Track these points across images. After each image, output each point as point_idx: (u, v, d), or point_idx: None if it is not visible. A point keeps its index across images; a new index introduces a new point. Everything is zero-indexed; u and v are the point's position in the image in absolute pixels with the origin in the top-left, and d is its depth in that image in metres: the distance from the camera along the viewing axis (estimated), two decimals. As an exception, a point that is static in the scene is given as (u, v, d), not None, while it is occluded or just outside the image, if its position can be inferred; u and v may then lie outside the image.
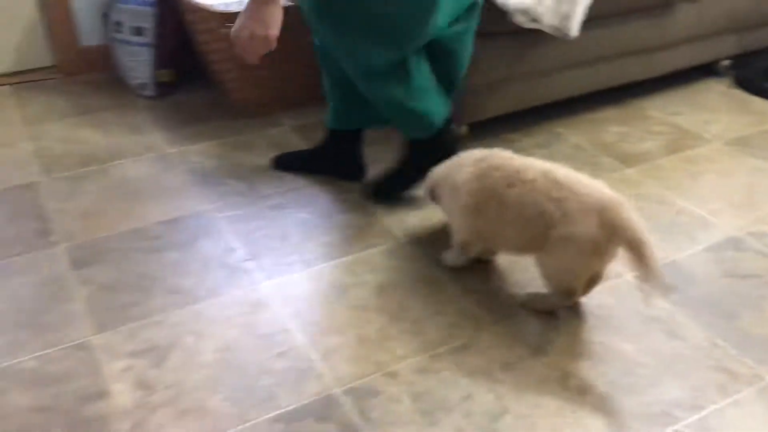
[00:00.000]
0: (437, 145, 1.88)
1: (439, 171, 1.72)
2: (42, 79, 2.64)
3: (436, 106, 1.84)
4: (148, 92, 2.52)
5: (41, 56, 2.67)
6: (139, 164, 2.14)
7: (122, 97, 2.55)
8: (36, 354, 1.46)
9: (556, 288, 1.56)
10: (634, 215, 1.44)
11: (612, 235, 1.43)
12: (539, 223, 1.48)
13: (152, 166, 2.13)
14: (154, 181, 2.05)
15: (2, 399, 1.36)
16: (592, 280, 1.59)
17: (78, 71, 2.68)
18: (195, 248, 1.78)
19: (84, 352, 1.47)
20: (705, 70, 2.73)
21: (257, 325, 1.55)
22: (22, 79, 2.63)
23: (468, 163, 1.61)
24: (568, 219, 1.45)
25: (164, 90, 2.54)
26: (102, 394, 1.38)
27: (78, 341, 1.50)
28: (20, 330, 1.52)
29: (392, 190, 1.99)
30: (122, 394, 1.38)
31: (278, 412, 1.35)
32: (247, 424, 1.32)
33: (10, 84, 2.60)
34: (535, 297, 1.61)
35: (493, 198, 1.54)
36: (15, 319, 1.55)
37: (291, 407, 1.36)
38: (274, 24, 1.53)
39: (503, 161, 1.56)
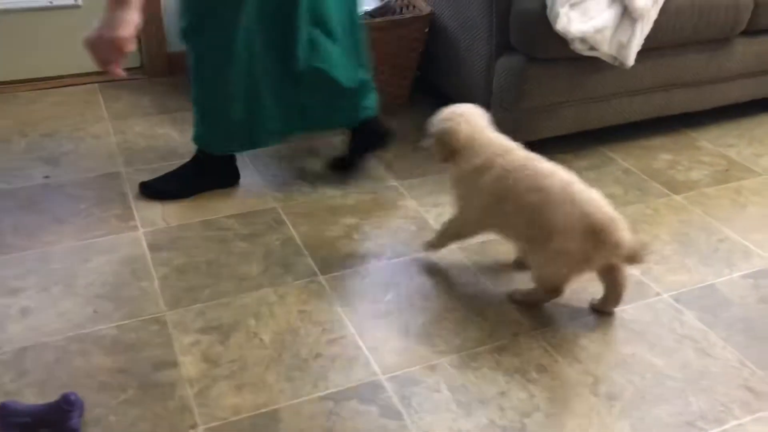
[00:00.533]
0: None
1: (468, 142, 1.69)
2: (129, 79, 2.86)
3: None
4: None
5: (131, 58, 2.90)
6: (213, 162, 2.32)
7: (200, 99, 2.75)
8: (116, 324, 1.64)
9: (543, 286, 1.70)
10: (627, 233, 1.58)
11: (605, 252, 1.58)
12: (544, 230, 1.59)
13: (225, 164, 2.31)
14: (227, 178, 2.23)
15: (87, 360, 1.54)
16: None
17: (162, 74, 2.90)
18: (261, 240, 1.94)
19: (158, 326, 1.64)
20: (762, 105, 2.77)
21: (313, 313, 1.69)
22: (109, 78, 2.85)
23: (495, 152, 1.67)
24: (568, 235, 1.56)
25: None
26: (172, 364, 1.54)
27: (153, 315, 1.67)
28: (103, 302, 1.70)
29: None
30: (190, 365, 1.53)
31: (328, 391, 1.48)
32: (299, 400, 1.46)
33: (99, 82, 2.83)
34: (523, 291, 1.75)
35: (509, 198, 1.63)
36: (99, 291, 1.73)
37: (339, 389, 1.49)
38: (122, 26, 1.50)
39: (528, 161, 1.65)
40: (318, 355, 1.57)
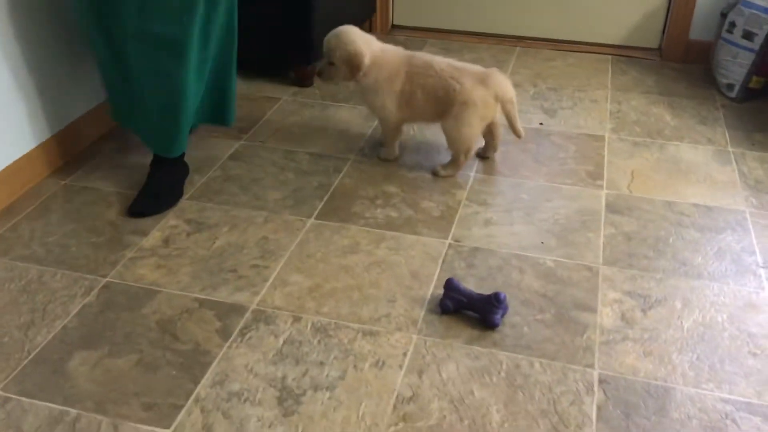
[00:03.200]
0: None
1: (365, 52, 2.04)
2: (641, 58, 2.96)
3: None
4: (733, 93, 2.61)
5: (650, 38, 2.98)
6: (695, 151, 2.29)
7: (705, 90, 2.70)
8: (554, 258, 1.80)
9: (459, 147, 2.11)
10: (508, 81, 2.09)
11: (494, 95, 2.04)
12: (447, 98, 2.04)
13: (706, 156, 2.25)
14: (704, 170, 2.18)
15: (521, 276, 1.74)
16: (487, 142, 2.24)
17: (675, 59, 2.91)
18: (716, 236, 1.88)
19: (589, 273, 1.75)
20: None
21: (744, 321, 1.60)
22: (623, 53, 2.99)
23: (400, 60, 2.10)
24: (465, 90, 2.03)
25: (749, 95, 2.60)
26: (591, 308, 1.64)
27: (589, 263, 1.78)
28: (550, 237, 1.88)
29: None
30: (606, 316, 1.61)
31: (732, 396, 1.41)
32: (698, 390, 1.42)
33: (613, 55, 2.99)
34: (444, 165, 2.16)
35: (418, 88, 2.07)
36: (550, 227, 1.92)
37: (747, 400, 1.40)
38: None
39: (421, 57, 2.11)
40: (732, 359, 1.49)
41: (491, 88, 2.04)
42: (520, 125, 2.14)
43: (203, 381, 1.44)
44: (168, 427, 1.34)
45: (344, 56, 2.02)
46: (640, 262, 1.79)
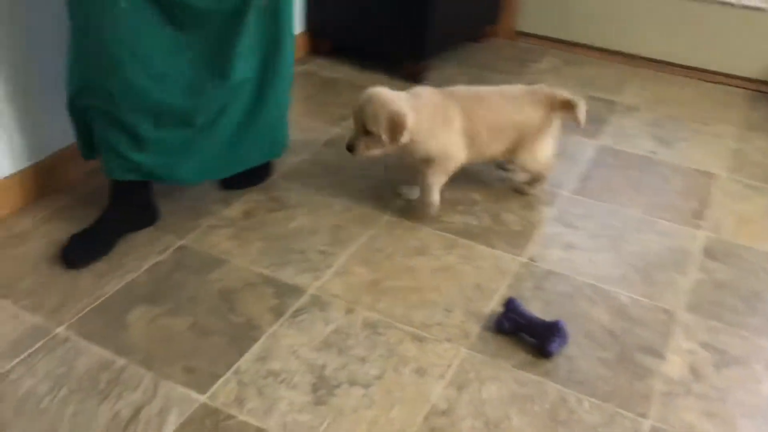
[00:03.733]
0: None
1: (407, 111, 1.74)
2: (780, 96, 2.73)
3: None
4: None
5: (793, 76, 2.74)
6: (820, 205, 2.08)
7: None
8: (631, 294, 1.69)
9: (541, 171, 2.00)
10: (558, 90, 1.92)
11: (552, 104, 1.90)
12: (515, 131, 1.89)
13: (831, 213, 2.05)
14: (823, 226, 1.98)
15: (589, 307, 1.65)
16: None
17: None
18: (820, 301, 1.70)
19: (666, 316, 1.63)
20: None
21: (833, 400, 1.44)
22: (760, 88, 2.77)
23: (444, 97, 1.86)
24: (531, 118, 1.89)
25: None
26: (658, 354, 1.53)
27: (668, 306, 1.66)
28: (633, 271, 1.77)
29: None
30: (673, 365, 1.50)
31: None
32: (760, 465, 1.30)
33: (746, 88, 2.77)
34: (526, 183, 2.05)
35: (482, 126, 1.86)
36: (635, 261, 1.80)
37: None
38: None
39: (466, 92, 1.91)
40: (810, 441, 1.35)
41: (548, 105, 1.90)
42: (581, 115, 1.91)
43: (247, 355, 1.46)
44: (203, 392, 1.37)
45: (385, 120, 1.71)
46: (726, 314, 1.65)
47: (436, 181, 1.88)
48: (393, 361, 1.47)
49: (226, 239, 1.79)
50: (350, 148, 1.77)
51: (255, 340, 1.50)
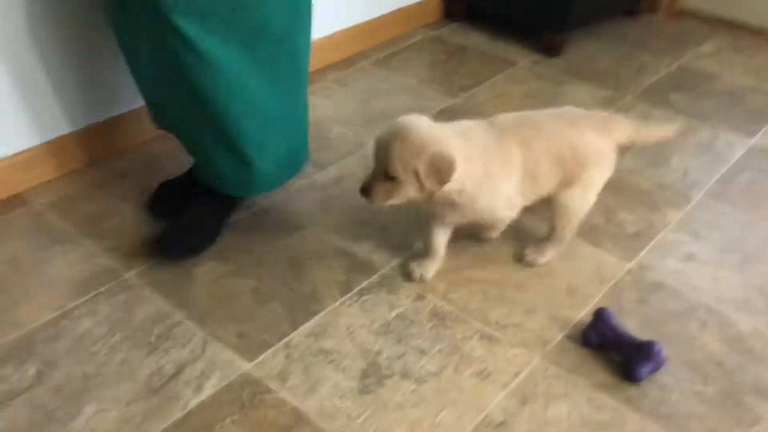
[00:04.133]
0: None
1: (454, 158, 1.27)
2: None
3: None
4: None
5: None
6: None
7: None
8: (755, 324, 1.43)
9: (576, 223, 1.53)
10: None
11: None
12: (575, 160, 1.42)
13: None
14: None
15: (701, 334, 1.41)
16: None
17: None
18: None
19: None
20: None
21: None
22: None
23: (491, 129, 1.39)
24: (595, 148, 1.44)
25: None
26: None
27: (798, 344, 1.39)
28: (761, 297, 1.50)
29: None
30: (791, 417, 1.25)
31: None
32: None
33: None
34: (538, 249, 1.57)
35: (542, 154, 1.41)
36: (763, 285, 1.53)
37: None
38: None
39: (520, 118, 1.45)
40: None
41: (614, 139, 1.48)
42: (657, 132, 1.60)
43: (301, 328, 1.39)
44: (249, 361, 1.32)
45: (426, 165, 1.26)
46: None
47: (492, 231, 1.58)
48: (455, 358, 1.34)
49: (309, 204, 1.72)
50: (365, 191, 1.33)
51: (314, 314, 1.42)
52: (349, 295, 1.47)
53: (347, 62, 2.39)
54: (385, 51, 2.47)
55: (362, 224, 1.66)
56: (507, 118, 1.44)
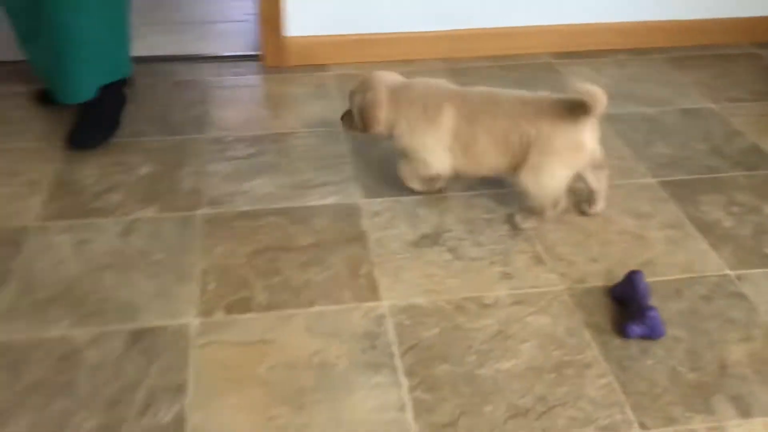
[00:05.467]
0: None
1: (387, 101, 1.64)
2: None
3: None
4: None
5: None
6: None
7: None
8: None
9: (542, 202, 1.64)
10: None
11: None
12: (521, 145, 1.58)
13: None
14: None
15: (733, 338, 1.39)
16: None
17: None
18: None
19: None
20: None
21: None
22: None
23: (441, 93, 1.64)
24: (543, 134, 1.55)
25: None
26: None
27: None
28: None
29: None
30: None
31: None
32: None
33: None
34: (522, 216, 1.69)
35: (481, 131, 1.60)
36: None
37: None
38: None
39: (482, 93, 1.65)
40: None
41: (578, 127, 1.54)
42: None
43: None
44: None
45: (358, 105, 1.66)
46: None
47: (408, 178, 1.75)
48: (498, 258, 1.60)
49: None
50: (342, 119, 1.77)
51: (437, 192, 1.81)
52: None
53: (639, 51, 2.55)
54: (692, 53, 2.54)
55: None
56: (475, 90, 1.66)
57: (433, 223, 1.70)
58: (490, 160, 1.63)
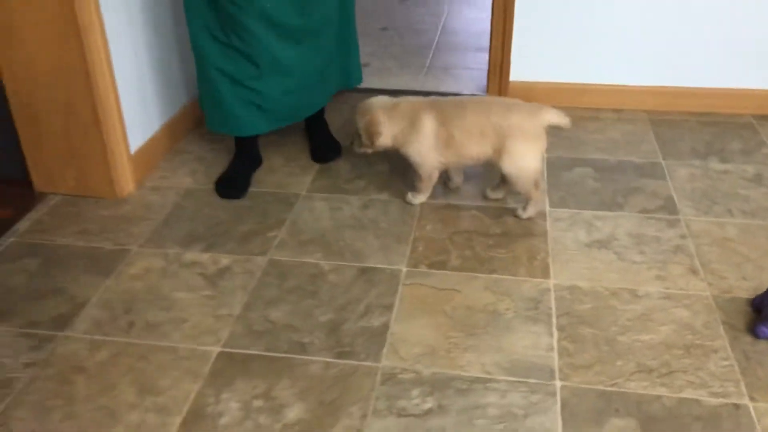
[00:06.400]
0: None
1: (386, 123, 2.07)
2: None
3: None
4: None
5: None
6: None
7: None
8: None
9: (524, 183, 2.06)
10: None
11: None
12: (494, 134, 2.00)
13: None
14: None
15: None
16: None
17: None
18: None
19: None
20: None
21: None
22: None
23: (417, 107, 2.07)
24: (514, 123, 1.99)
25: None
26: None
27: None
28: None
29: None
30: None
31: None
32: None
33: None
34: (522, 207, 2.13)
35: (454, 129, 2.03)
36: None
37: None
38: None
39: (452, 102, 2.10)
40: None
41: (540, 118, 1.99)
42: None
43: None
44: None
45: (362, 126, 2.07)
46: None
47: (421, 184, 2.14)
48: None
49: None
50: (351, 145, 2.19)
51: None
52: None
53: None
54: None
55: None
56: (447, 100, 2.08)
57: (607, 233, 2.03)
58: (469, 150, 2.03)
